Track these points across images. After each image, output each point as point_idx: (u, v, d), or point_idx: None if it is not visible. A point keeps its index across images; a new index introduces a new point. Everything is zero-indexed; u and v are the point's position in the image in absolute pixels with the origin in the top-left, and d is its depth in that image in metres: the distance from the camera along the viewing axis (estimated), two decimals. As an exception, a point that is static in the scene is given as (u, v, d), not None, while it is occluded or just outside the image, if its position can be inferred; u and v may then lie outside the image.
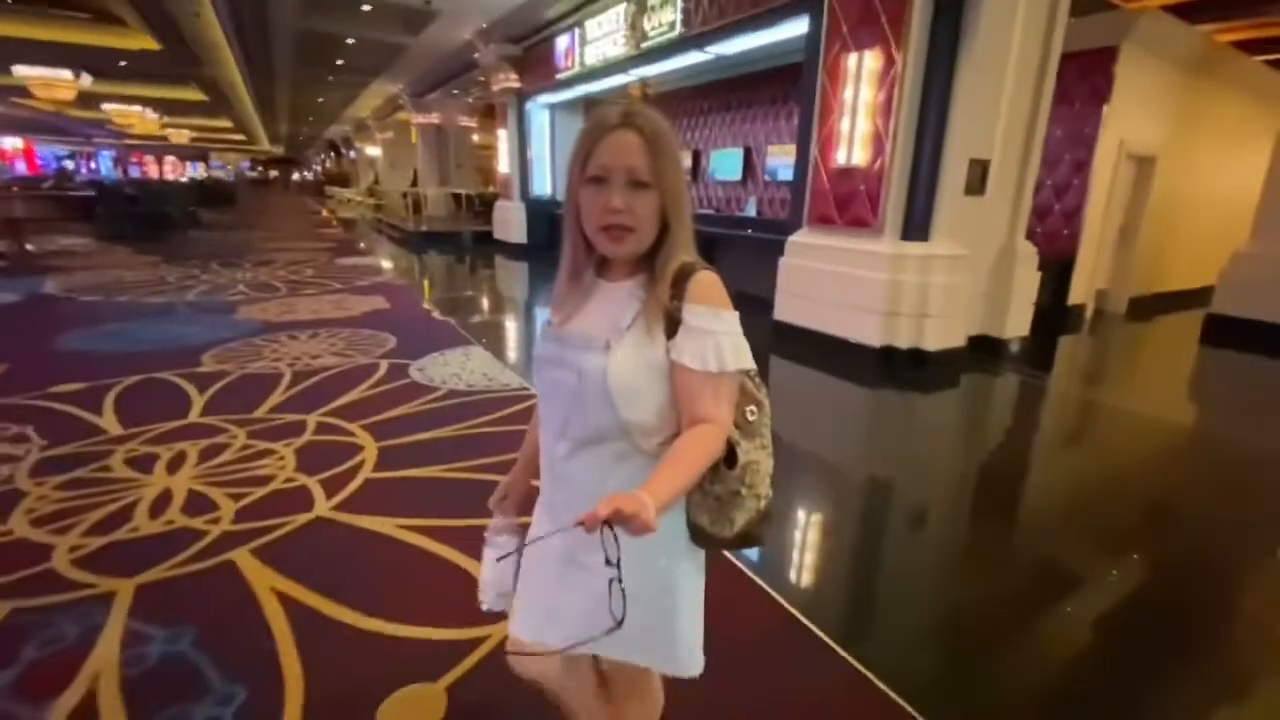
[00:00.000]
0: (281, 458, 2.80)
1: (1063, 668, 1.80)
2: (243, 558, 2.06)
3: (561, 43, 8.90)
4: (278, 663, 1.62)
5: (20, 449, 2.81)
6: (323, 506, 2.41)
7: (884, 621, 2.01)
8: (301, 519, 2.31)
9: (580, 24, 8.28)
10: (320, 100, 20.72)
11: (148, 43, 14.58)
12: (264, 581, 1.94)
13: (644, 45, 7.16)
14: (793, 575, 2.19)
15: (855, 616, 2.02)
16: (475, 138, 18.19)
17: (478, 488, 2.56)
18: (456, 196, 16.55)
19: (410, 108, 17.32)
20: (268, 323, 5.34)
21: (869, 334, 4.62)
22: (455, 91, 15.60)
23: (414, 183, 18.71)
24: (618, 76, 8.32)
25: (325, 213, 21.73)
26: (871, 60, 4.37)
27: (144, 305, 5.91)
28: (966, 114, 4.28)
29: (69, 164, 33.16)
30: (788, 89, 8.40)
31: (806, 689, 1.60)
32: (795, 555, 2.35)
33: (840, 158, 4.69)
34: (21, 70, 16.58)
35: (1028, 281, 5.07)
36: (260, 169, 61.43)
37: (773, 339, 5.45)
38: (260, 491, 2.50)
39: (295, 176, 57.76)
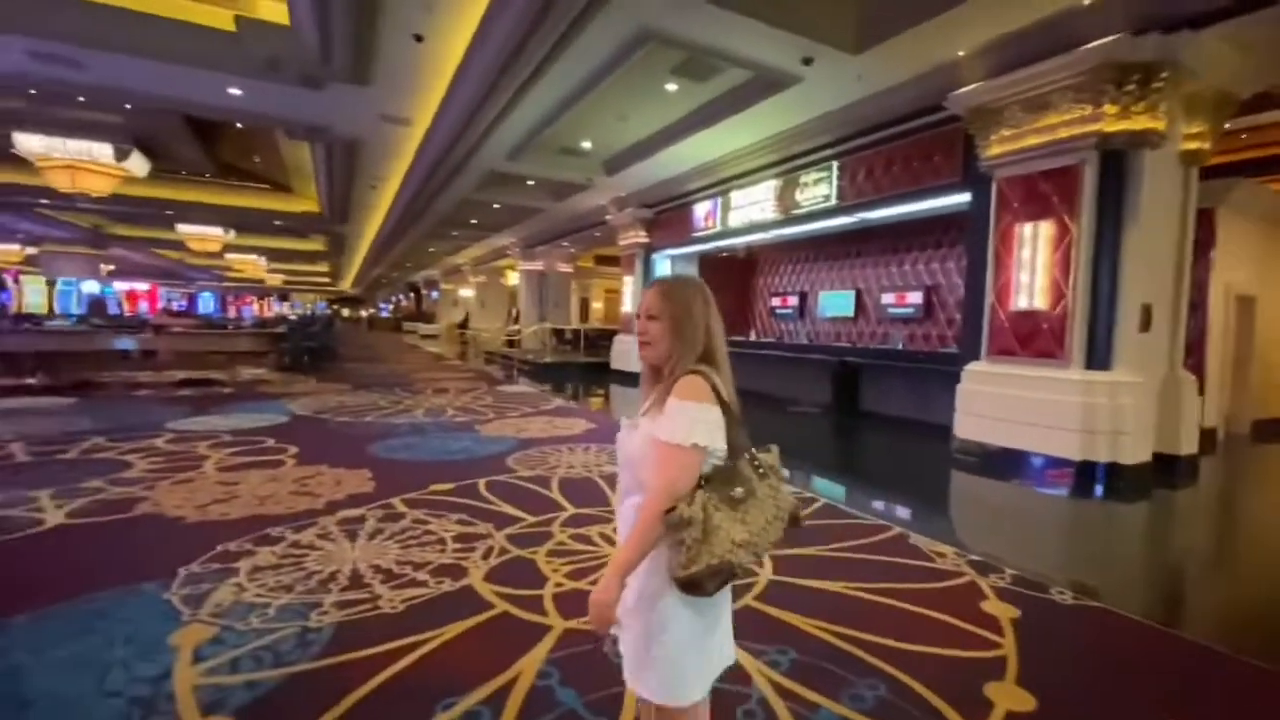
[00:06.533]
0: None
1: None
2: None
3: (701, 208, 10.55)
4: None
5: (483, 529, 3.60)
6: (767, 572, 3.10)
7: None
8: (762, 580, 3.00)
9: (724, 193, 9.91)
10: (431, 250, 23.45)
11: (311, 206, 17.22)
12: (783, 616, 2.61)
13: (793, 213, 8.59)
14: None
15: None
16: (573, 283, 20.29)
17: (872, 565, 3.23)
18: (558, 332, 18.15)
19: (519, 256, 19.57)
20: (519, 439, 6.24)
21: (1068, 449, 5.28)
22: (564, 244, 17.75)
23: (515, 319, 20.65)
24: (756, 234, 9.79)
25: (424, 346, 23.60)
26: (1046, 229, 5.48)
27: (395, 425, 6.91)
28: (1134, 266, 5.25)
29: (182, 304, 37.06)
30: (895, 242, 9.76)
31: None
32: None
33: (1022, 303, 5.67)
34: (184, 229, 19.40)
35: (1193, 405, 5.75)
36: (333, 307, 66.90)
37: (954, 454, 6.12)
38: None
39: (363, 313, 62.40)
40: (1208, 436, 7.18)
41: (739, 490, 1.20)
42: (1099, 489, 5.10)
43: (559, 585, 2.88)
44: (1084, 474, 5.21)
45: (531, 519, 3.80)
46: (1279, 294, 8.34)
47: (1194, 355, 7.42)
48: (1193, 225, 5.75)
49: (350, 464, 5.05)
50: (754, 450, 1.28)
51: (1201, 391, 6.28)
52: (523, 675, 2.16)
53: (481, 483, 4.56)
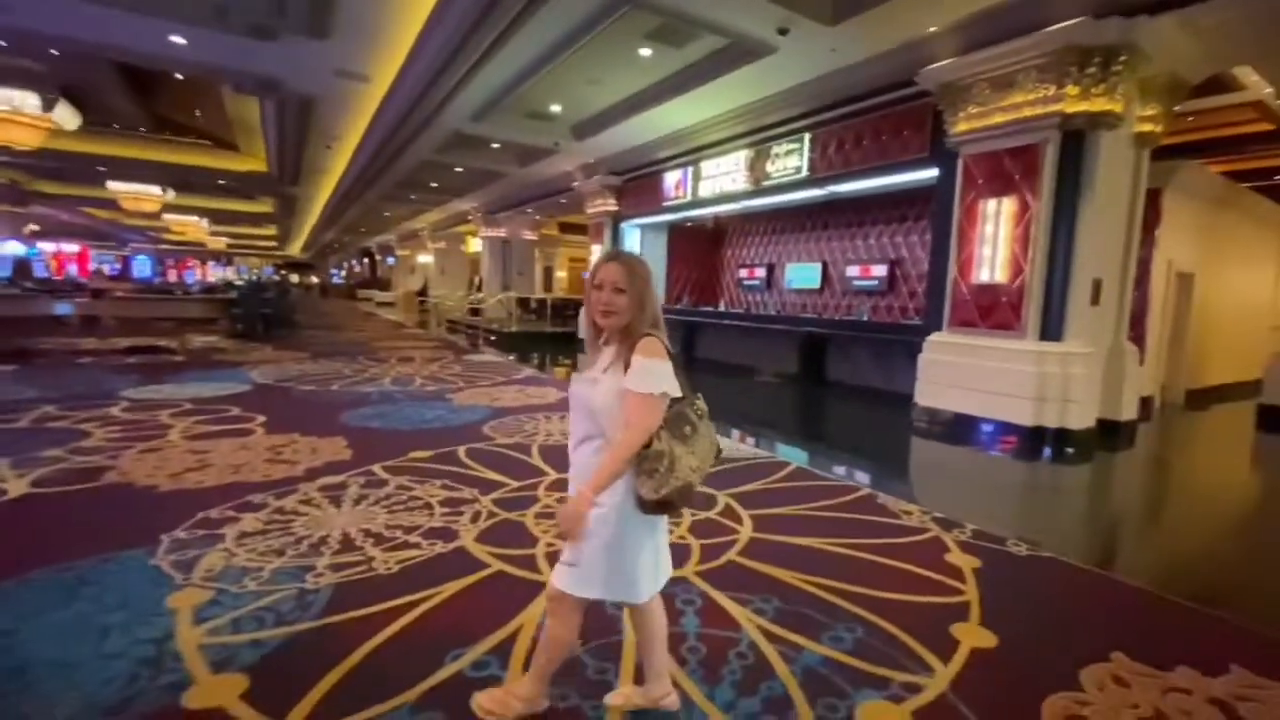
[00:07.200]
0: (665, 501, 3.63)
1: None
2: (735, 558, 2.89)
3: (672, 177, 10.51)
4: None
5: (468, 494, 3.63)
6: (749, 530, 3.24)
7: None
8: (744, 537, 3.14)
9: (695, 163, 9.89)
10: (387, 214, 22.66)
11: (258, 165, 16.36)
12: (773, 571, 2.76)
13: (764, 184, 8.66)
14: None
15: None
16: (537, 251, 19.98)
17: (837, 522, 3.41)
18: (523, 301, 17.94)
19: (480, 223, 19.13)
20: (493, 408, 6.22)
21: (1022, 416, 5.60)
22: (529, 210, 17.42)
23: (478, 288, 20.27)
24: (726, 205, 9.83)
25: (380, 314, 22.98)
26: (1009, 205, 5.70)
27: (364, 394, 6.78)
28: (1088, 243, 5.54)
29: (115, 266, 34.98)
30: (861, 215, 9.96)
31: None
32: (1101, 565, 3.17)
33: (983, 276, 5.93)
34: (116, 186, 18.14)
35: (1135, 374, 6.16)
36: (282, 273, 63.97)
37: (915, 422, 6.42)
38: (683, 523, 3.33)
39: (313, 279, 59.94)
40: (1145, 404, 7.71)
41: (688, 429, 1.52)
42: (1048, 452, 5.45)
43: (550, 545, 2.96)
44: (1035, 438, 5.56)
45: (515, 484, 3.85)
46: (1215, 271, 8.92)
47: (1136, 328, 7.90)
48: (1142, 205, 6.08)
49: (323, 432, 4.98)
50: (693, 397, 1.58)
51: (1142, 362, 6.74)
52: (525, 628, 2.23)
53: (461, 450, 4.57)
